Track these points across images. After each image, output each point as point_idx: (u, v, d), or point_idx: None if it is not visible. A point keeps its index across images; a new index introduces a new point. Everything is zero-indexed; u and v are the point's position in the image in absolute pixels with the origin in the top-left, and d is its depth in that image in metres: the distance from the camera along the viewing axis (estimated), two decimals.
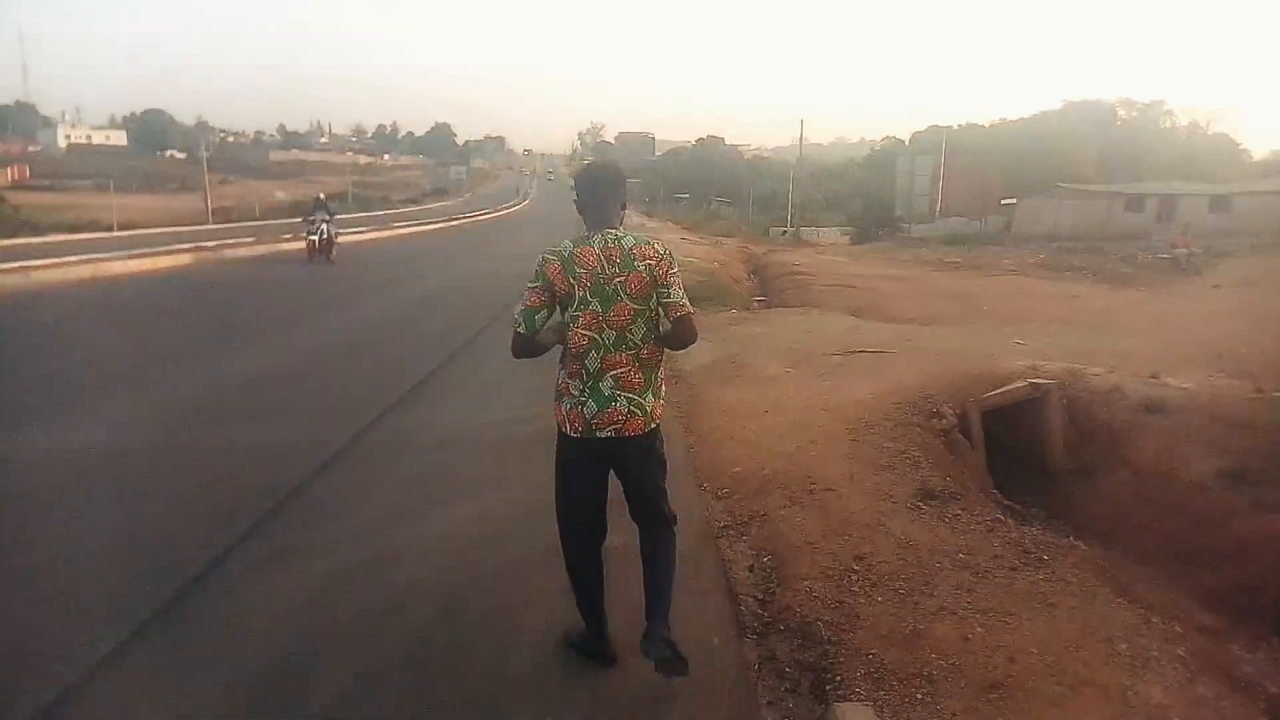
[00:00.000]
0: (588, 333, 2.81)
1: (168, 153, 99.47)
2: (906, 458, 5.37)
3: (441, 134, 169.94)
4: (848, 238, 45.17)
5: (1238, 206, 35.34)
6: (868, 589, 3.55)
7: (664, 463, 3.06)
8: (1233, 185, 40.13)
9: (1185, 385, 7.74)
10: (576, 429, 2.86)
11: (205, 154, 55.66)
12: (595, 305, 2.80)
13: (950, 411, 6.99)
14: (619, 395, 2.82)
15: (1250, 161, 55.41)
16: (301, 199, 64.18)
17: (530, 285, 2.84)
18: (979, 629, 3.12)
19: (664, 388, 2.99)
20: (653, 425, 2.91)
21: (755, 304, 17.63)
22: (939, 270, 23.81)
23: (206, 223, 35.64)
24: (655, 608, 2.88)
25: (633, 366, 2.83)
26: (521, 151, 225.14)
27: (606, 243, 2.83)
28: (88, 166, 70.76)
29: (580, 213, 2.97)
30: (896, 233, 42.05)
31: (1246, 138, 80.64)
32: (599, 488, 2.99)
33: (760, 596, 3.65)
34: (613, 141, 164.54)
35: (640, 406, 2.85)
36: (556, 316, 2.92)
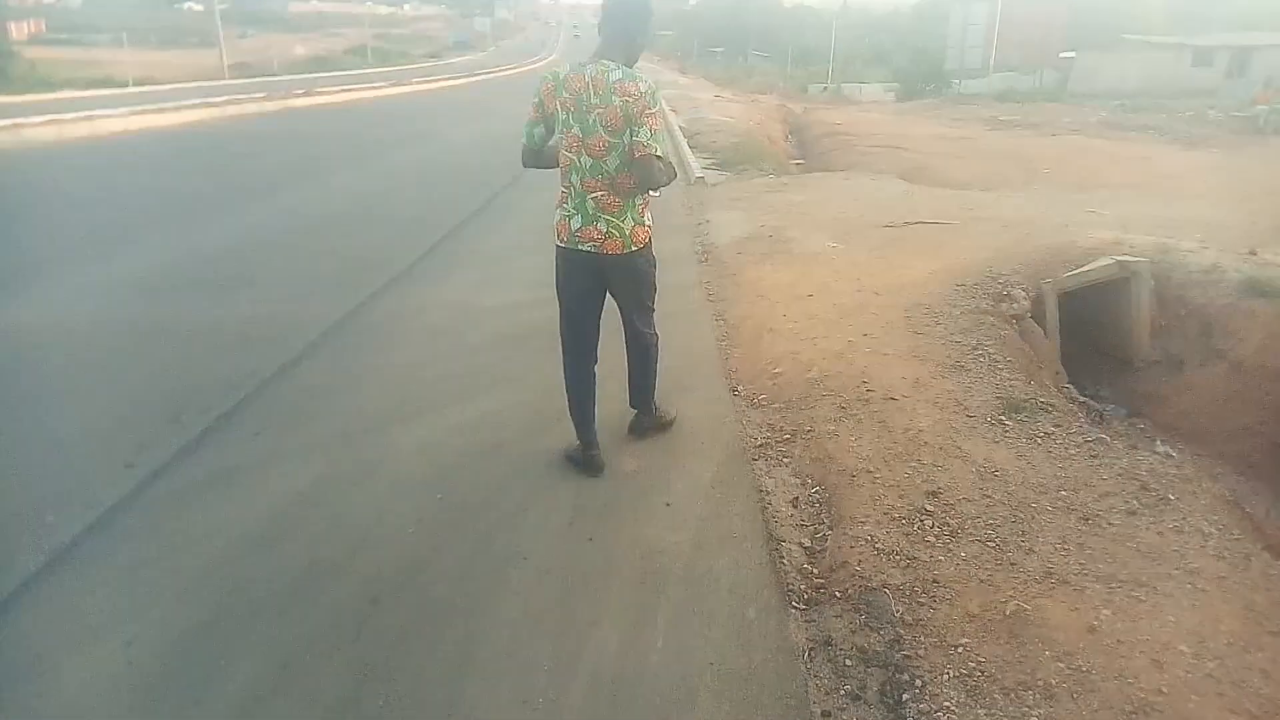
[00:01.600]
0: (569, 154, 3.03)
1: (186, 4, 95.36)
2: (980, 355, 4.50)
3: None
4: (892, 94, 42.36)
5: None
6: (947, 539, 2.77)
7: (653, 285, 3.33)
8: None
9: None
10: (563, 239, 3.14)
11: (220, 5, 52.77)
12: (576, 129, 2.98)
13: (1023, 294, 6.06)
14: (600, 216, 3.06)
15: None
16: (322, 54, 61.78)
17: (532, 102, 3.07)
18: (1105, 611, 2.34)
19: (647, 214, 3.17)
20: (633, 247, 3.12)
21: (794, 167, 16.35)
22: (994, 129, 22.01)
23: (223, 78, 34.03)
24: (636, 398, 3.57)
25: (608, 192, 3.02)
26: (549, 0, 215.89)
27: (596, 72, 2.94)
28: (106, 20, 68.05)
29: (599, 32, 3.06)
30: (945, 89, 39.32)
31: None
32: (590, 299, 3.26)
33: (808, 544, 2.89)
34: None
35: (618, 228, 3.07)
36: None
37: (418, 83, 32.31)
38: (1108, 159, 16.01)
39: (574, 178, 3.04)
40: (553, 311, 3.34)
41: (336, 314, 5.22)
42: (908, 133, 20.48)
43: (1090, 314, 6.41)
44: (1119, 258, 6.25)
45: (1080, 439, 3.51)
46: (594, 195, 3.02)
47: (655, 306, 3.40)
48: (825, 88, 45.46)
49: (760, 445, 3.59)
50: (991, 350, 4.57)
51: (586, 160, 2.99)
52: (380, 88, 28.31)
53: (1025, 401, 3.82)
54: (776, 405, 3.95)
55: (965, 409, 3.73)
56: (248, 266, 6.34)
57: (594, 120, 2.93)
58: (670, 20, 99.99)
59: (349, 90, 25.76)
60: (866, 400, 3.83)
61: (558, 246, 3.17)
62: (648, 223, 3.16)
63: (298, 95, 22.46)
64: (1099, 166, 15.03)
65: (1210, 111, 23.47)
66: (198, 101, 18.64)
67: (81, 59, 44.17)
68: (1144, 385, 6.23)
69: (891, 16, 70.07)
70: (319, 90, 24.12)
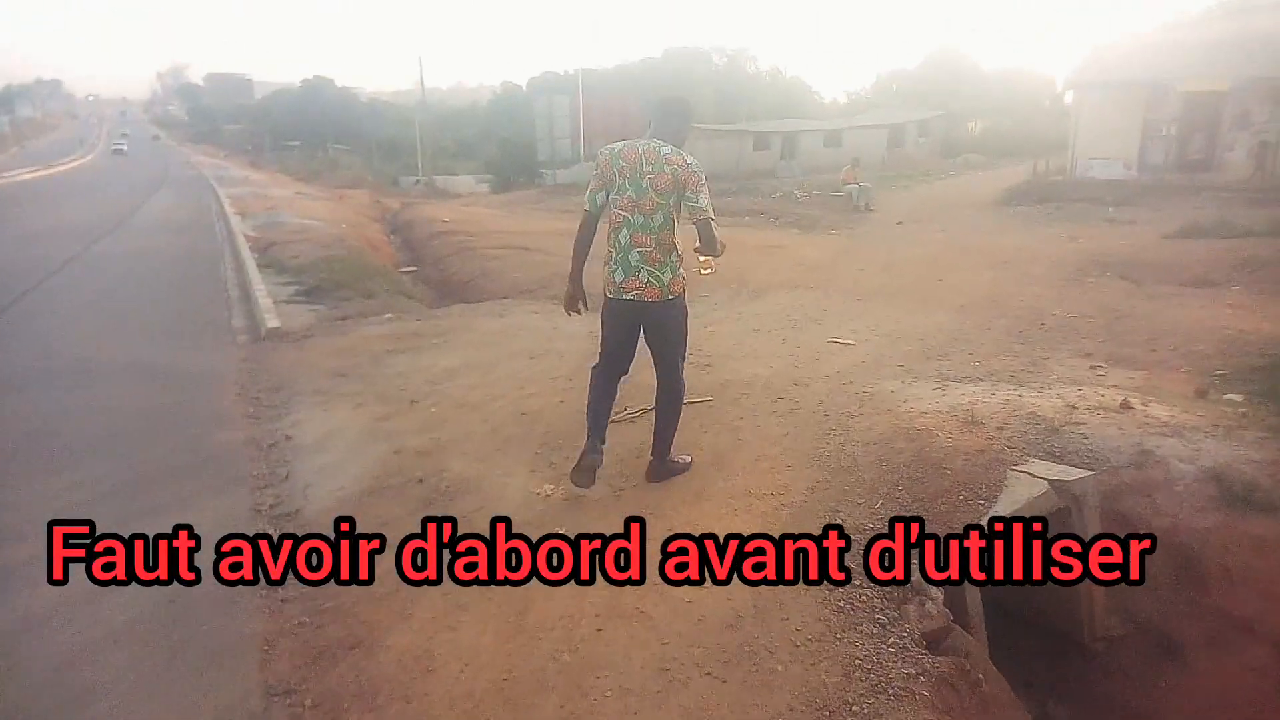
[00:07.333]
0: (623, 212, 3.58)
1: None
2: None
3: None
4: (486, 186, 40.75)
5: (847, 140, 36.78)
6: None
7: (684, 336, 3.82)
8: (837, 121, 42.23)
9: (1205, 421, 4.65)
10: (610, 291, 3.68)
11: None
12: (630, 192, 3.56)
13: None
14: (642, 268, 3.58)
15: (821, 103, 58.68)
16: None
17: (593, 174, 3.68)
18: None
19: (683, 267, 3.67)
20: (670, 296, 3.64)
21: (407, 280, 12.83)
22: None
23: None
24: (656, 446, 3.90)
25: (654, 247, 3.56)
26: (85, 97, 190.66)
27: (649, 147, 3.58)
28: None
29: (651, 122, 3.75)
30: (537, 179, 38.51)
31: (814, 82, 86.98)
32: (628, 338, 3.78)
33: None
34: (201, 83, 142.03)
35: (657, 278, 3.60)
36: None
37: None
38: (746, 249, 14.71)
39: (623, 234, 3.57)
40: None
41: None
42: (526, 229, 17.95)
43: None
44: (1047, 476, 3.68)
45: None
46: (640, 249, 3.56)
47: (685, 359, 3.89)
48: (418, 181, 42.64)
49: None
50: None
51: (639, 218, 3.55)
52: None
53: None
54: None
55: None
56: None
57: (646, 184, 3.53)
58: (235, 114, 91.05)
59: None
60: None
61: (605, 297, 3.71)
62: (682, 274, 3.68)
63: None
64: (742, 259, 13.53)
65: (797, 192, 24.22)
66: None
67: None
68: (1114, 688, 3.68)
69: (470, 109, 69.67)
70: None
